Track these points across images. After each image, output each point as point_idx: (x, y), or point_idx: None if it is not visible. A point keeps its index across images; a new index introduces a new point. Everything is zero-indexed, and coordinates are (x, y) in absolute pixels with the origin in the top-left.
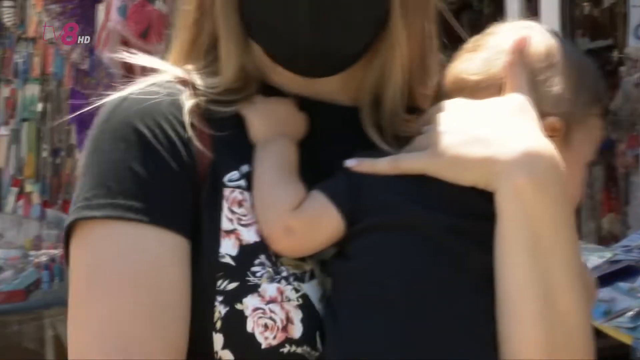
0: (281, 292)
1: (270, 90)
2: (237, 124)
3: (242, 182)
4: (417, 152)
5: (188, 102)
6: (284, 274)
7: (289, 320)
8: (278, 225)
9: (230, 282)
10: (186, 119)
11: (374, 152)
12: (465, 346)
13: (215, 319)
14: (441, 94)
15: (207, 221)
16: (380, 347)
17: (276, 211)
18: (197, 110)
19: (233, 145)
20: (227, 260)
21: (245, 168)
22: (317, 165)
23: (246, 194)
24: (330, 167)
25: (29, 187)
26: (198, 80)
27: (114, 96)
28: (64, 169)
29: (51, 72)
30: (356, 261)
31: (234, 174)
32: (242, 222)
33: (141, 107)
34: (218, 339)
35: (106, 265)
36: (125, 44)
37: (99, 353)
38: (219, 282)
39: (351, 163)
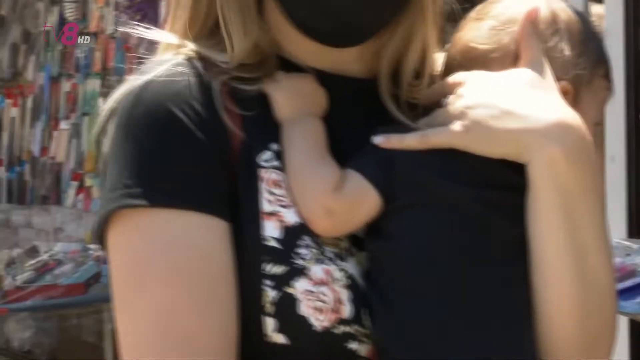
0: (328, 273)
1: (285, 64)
2: (262, 102)
3: (277, 162)
4: (445, 127)
5: (215, 81)
6: (329, 254)
7: (339, 301)
8: (318, 207)
9: (277, 266)
10: (218, 99)
11: (397, 126)
12: (504, 320)
13: (263, 302)
14: (450, 63)
15: (246, 204)
16: (429, 331)
17: (315, 193)
18: (224, 89)
19: (260, 124)
20: (272, 243)
21: (274, 147)
22: (337, 140)
23: (282, 173)
24: (349, 142)
25: (89, 181)
26: (216, 57)
27: (136, 79)
28: None
29: (112, 67)
30: (394, 242)
31: (267, 154)
32: (283, 204)
33: (171, 89)
34: (269, 323)
35: (156, 255)
36: None
37: (156, 348)
38: (264, 265)
39: (379, 140)
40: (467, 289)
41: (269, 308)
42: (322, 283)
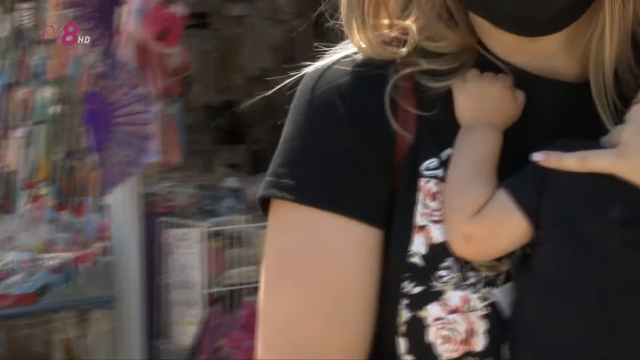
0: (466, 301)
1: (486, 63)
2: (447, 101)
3: (440, 172)
4: (607, 150)
5: (395, 75)
6: (472, 280)
7: (471, 332)
8: (457, 231)
9: (415, 285)
10: (386, 98)
11: (575, 142)
12: None
13: (398, 322)
14: None
15: (400, 214)
16: None
17: (457, 216)
18: (405, 84)
19: (438, 126)
20: (416, 260)
21: (447, 153)
22: (528, 151)
23: (442, 185)
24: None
25: (42, 190)
26: (415, 43)
27: (320, 63)
28: (78, 172)
29: (67, 75)
30: (535, 274)
31: (433, 162)
32: (433, 218)
33: (343, 81)
34: (402, 343)
35: (295, 255)
36: (142, 46)
37: (278, 349)
38: (405, 283)
39: (538, 157)
40: (607, 338)
41: (402, 328)
42: (455, 310)
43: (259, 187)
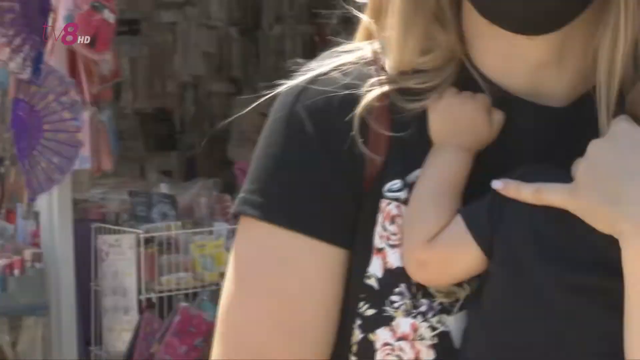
0: (415, 329)
1: (468, 82)
2: (422, 120)
3: (402, 194)
4: (562, 185)
5: (367, 96)
6: (423, 308)
7: None
8: (412, 256)
9: (369, 308)
10: (356, 120)
11: (533, 170)
12: None
13: (352, 341)
14: (630, 102)
15: (362, 235)
16: None
17: (413, 240)
18: (380, 103)
19: (411, 146)
20: (372, 282)
21: (416, 174)
22: (505, 175)
23: (403, 208)
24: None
25: None
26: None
27: (296, 80)
28: (8, 179)
29: None
30: (482, 307)
31: (396, 184)
32: (391, 242)
33: (314, 101)
34: None
35: (260, 269)
36: (72, 52)
37: (231, 353)
38: (361, 304)
39: (497, 185)
40: None
41: (354, 347)
42: (403, 338)
43: (191, 194)
